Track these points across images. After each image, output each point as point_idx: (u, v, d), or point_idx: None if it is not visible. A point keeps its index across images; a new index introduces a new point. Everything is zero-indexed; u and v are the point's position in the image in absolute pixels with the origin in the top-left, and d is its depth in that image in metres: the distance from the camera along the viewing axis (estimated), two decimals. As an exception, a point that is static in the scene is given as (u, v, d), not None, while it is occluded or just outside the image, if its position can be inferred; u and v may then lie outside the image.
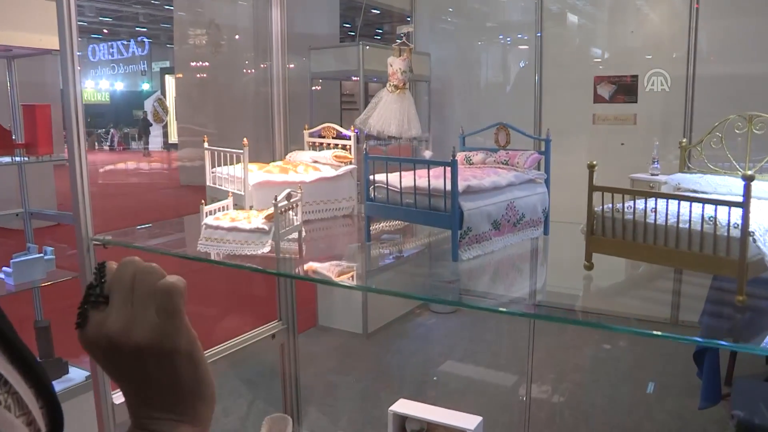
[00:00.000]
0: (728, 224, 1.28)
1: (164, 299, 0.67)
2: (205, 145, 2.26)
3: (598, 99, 5.58)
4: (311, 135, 2.52)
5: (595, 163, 1.45)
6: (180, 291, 0.68)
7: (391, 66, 2.19)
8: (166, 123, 3.89)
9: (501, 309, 1.42)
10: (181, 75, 3.48)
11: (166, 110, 4.09)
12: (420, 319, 5.69)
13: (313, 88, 5.69)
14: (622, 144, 5.47)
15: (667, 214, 1.36)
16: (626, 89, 5.44)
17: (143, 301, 0.67)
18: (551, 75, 5.73)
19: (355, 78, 5.42)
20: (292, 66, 4.11)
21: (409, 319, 5.69)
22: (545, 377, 4.39)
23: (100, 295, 0.68)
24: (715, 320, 1.30)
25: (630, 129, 5.45)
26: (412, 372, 4.65)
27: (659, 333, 1.18)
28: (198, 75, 3.60)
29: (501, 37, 6.24)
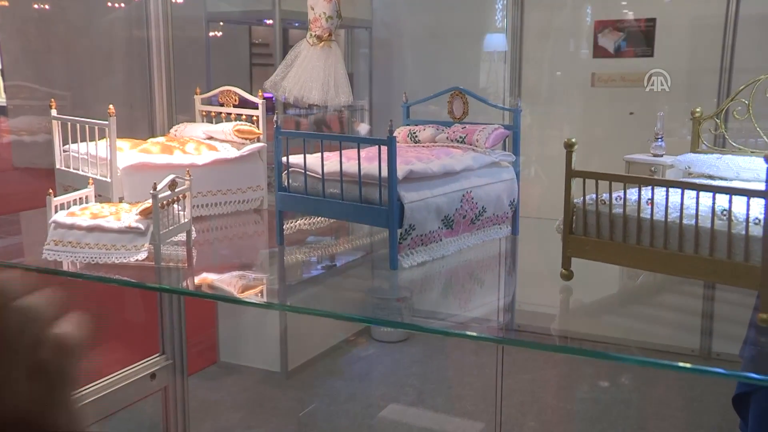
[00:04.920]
0: (746, 219, 1.34)
1: (49, 361, 0.64)
2: (53, 112, 2.25)
3: (599, 52, 5.42)
4: (205, 101, 2.53)
5: (573, 140, 1.51)
6: (73, 351, 0.65)
7: (313, 9, 2.20)
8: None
9: (468, 333, 1.46)
10: (5, 2, 3.35)
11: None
12: (357, 350, 5.68)
13: (211, 34, 5.64)
14: (631, 114, 5.33)
15: (666, 206, 1.43)
16: (639, 38, 5.30)
17: (13, 357, 0.62)
18: (534, 18, 5.70)
19: (270, 22, 5.40)
20: (179, 1, 4.03)
21: (343, 350, 5.68)
22: (524, 427, 4.44)
23: None
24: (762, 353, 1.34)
25: (644, 94, 5.15)
26: (347, 422, 4.65)
27: (687, 365, 1.20)
28: (36, 5, 3.49)
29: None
